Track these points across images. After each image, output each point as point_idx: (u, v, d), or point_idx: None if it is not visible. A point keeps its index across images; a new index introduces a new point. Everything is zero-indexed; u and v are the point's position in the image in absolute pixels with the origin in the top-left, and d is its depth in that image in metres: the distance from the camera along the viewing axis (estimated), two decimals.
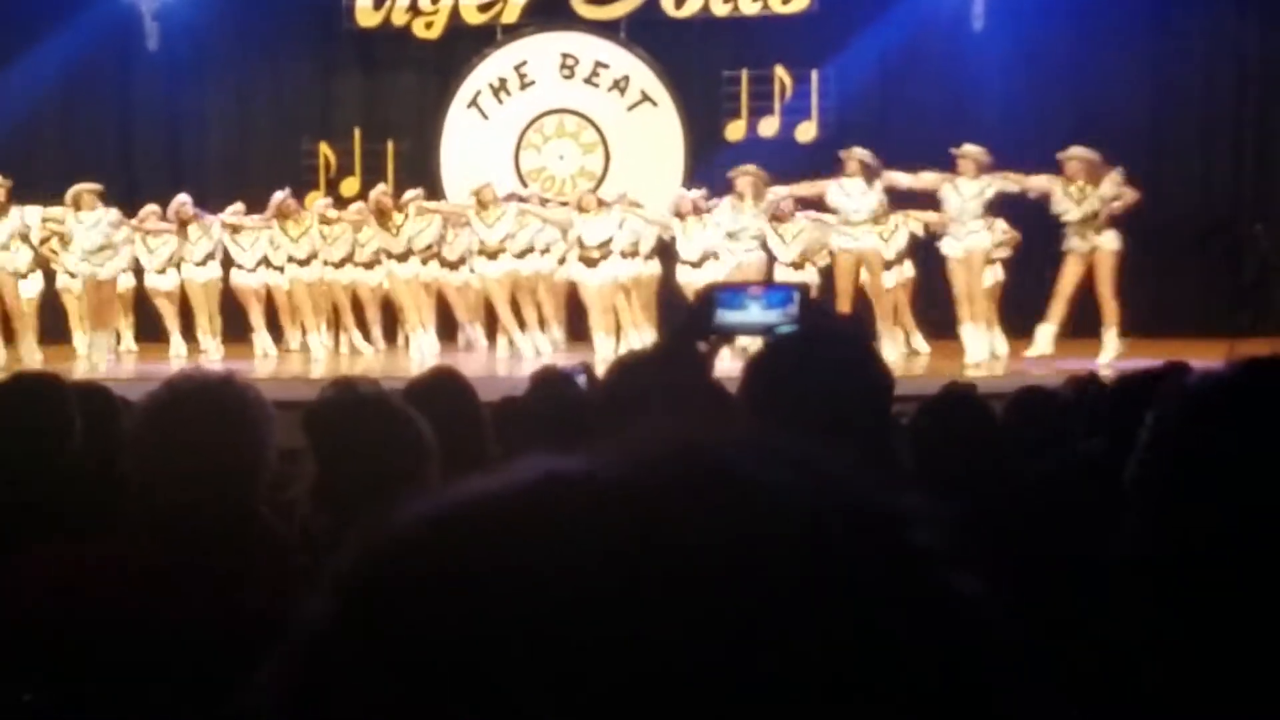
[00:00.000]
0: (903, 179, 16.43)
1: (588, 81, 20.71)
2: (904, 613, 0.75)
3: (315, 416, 3.33)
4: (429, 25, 20.51)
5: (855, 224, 16.46)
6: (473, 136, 20.81)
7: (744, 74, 20.00)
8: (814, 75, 19.85)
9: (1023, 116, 19.34)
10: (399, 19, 20.47)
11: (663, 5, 20.06)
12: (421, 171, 20.59)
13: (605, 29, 20.51)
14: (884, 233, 16.75)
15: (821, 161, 19.47)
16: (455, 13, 20.41)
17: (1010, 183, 16.17)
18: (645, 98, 20.57)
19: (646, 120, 20.54)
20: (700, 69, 20.46)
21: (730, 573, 0.73)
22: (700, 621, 0.72)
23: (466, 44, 20.85)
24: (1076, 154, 16.03)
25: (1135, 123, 19.44)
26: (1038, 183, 16.14)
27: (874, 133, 19.92)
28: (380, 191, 18.39)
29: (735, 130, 20.08)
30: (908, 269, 17.32)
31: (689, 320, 5.15)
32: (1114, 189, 15.98)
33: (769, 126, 19.98)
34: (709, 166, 19.49)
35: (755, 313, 4.78)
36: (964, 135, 19.51)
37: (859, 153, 16.49)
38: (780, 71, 19.93)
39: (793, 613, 0.73)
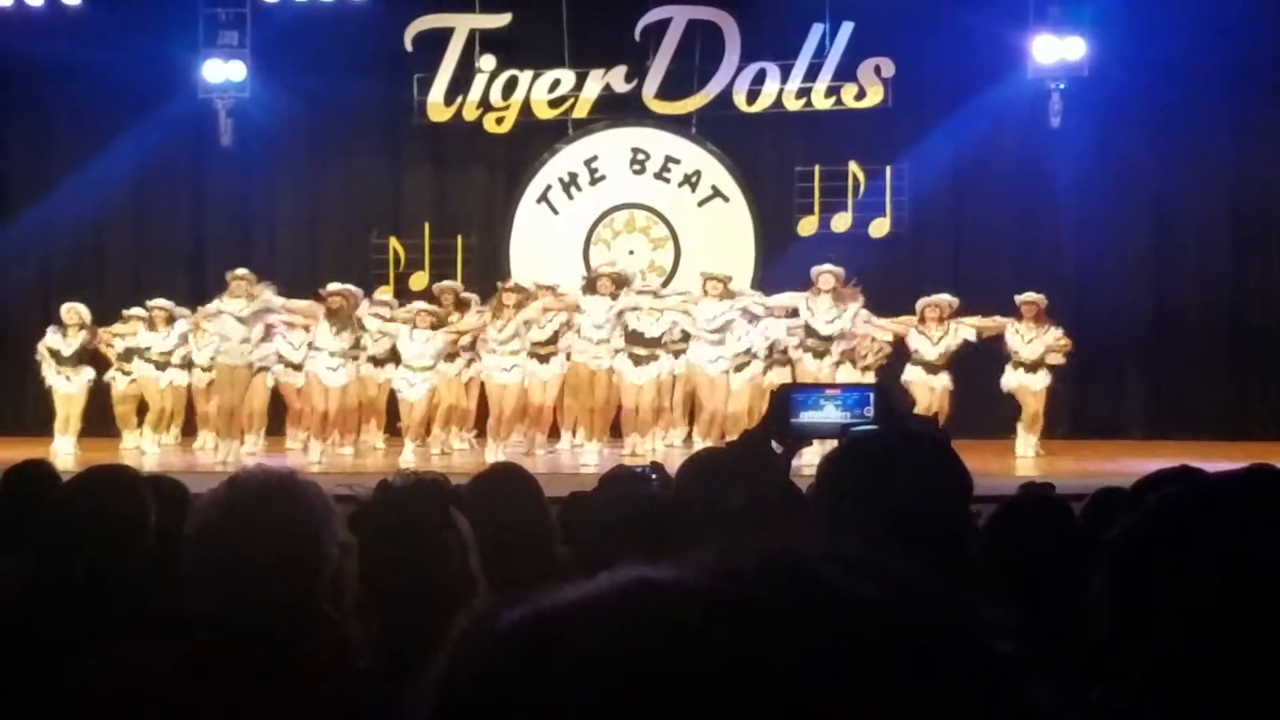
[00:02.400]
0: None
1: (658, 176, 20.72)
2: None
3: (359, 517, 3.26)
4: (500, 120, 20.59)
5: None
6: (542, 231, 20.84)
7: (816, 169, 19.95)
8: (888, 171, 19.79)
9: (1098, 215, 19.25)
10: (470, 114, 20.56)
11: (735, 100, 20.07)
12: (491, 266, 20.62)
13: (676, 124, 20.54)
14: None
15: (894, 257, 19.46)
16: (526, 108, 20.48)
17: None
18: (716, 193, 20.56)
19: (717, 215, 20.52)
20: (772, 164, 20.44)
21: (821, 683, 0.75)
22: None
23: (537, 139, 20.92)
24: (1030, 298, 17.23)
25: (1212, 222, 19.32)
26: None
27: (947, 229, 19.94)
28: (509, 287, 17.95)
29: (808, 225, 20.01)
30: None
31: (765, 421, 5.06)
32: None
33: (842, 222, 19.90)
34: (780, 262, 19.44)
35: (832, 413, 4.67)
36: (1038, 233, 19.55)
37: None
38: (854, 167, 19.88)
39: None
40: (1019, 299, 17.15)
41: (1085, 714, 0.76)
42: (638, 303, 17.42)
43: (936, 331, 16.87)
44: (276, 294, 17.71)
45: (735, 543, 0.83)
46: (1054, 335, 17.08)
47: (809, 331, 16.84)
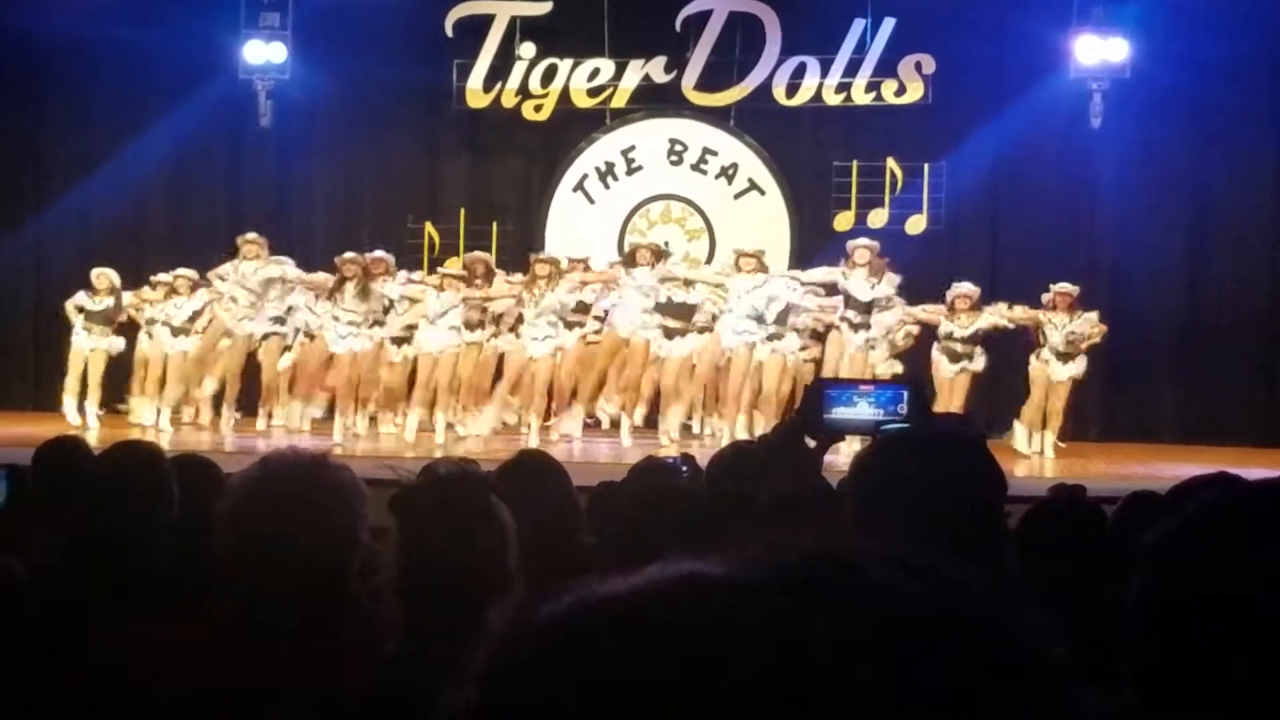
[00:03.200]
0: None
1: (695, 168, 20.70)
2: None
3: (401, 501, 3.26)
4: (538, 108, 20.59)
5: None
6: (578, 220, 20.83)
7: (854, 165, 19.91)
8: (926, 168, 19.73)
9: (1137, 217, 19.17)
10: (508, 101, 20.57)
11: (774, 93, 20.04)
12: (526, 254, 20.62)
13: (715, 116, 20.51)
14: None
15: (931, 255, 19.40)
16: (565, 96, 20.48)
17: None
18: (753, 186, 20.53)
19: (753, 208, 20.48)
20: (810, 158, 20.38)
21: (869, 681, 0.75)
22: None
23: (575, 127, 20.91)
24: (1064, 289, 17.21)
25: (1252, 224, 19.22)
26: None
27: (985, 228, 19.88)
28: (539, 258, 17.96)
29: (844, 221, 19.94)
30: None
31: (798, 415, 5.05)
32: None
33: (878, 218, 19.83)
34: (816, 257, 19.41)
35: (865, 410, 4.66)
36: (1076, 234, 19.48)
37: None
38: (892, 163, 19.83)
39: None
40: (1053, 288, 17.10)
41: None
42: (676, 273, 17.44)
43: (967, 319, 16.83)
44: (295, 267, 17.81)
45: (782, 538, 0.83)
46: (1088, 320, 16.97)
47: (848, 301, 16.92)
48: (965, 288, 17.17)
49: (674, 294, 17.13)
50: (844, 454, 10.48)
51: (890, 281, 17.03)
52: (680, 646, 0.76)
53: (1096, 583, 4.80)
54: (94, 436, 15.66)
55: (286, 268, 17.68)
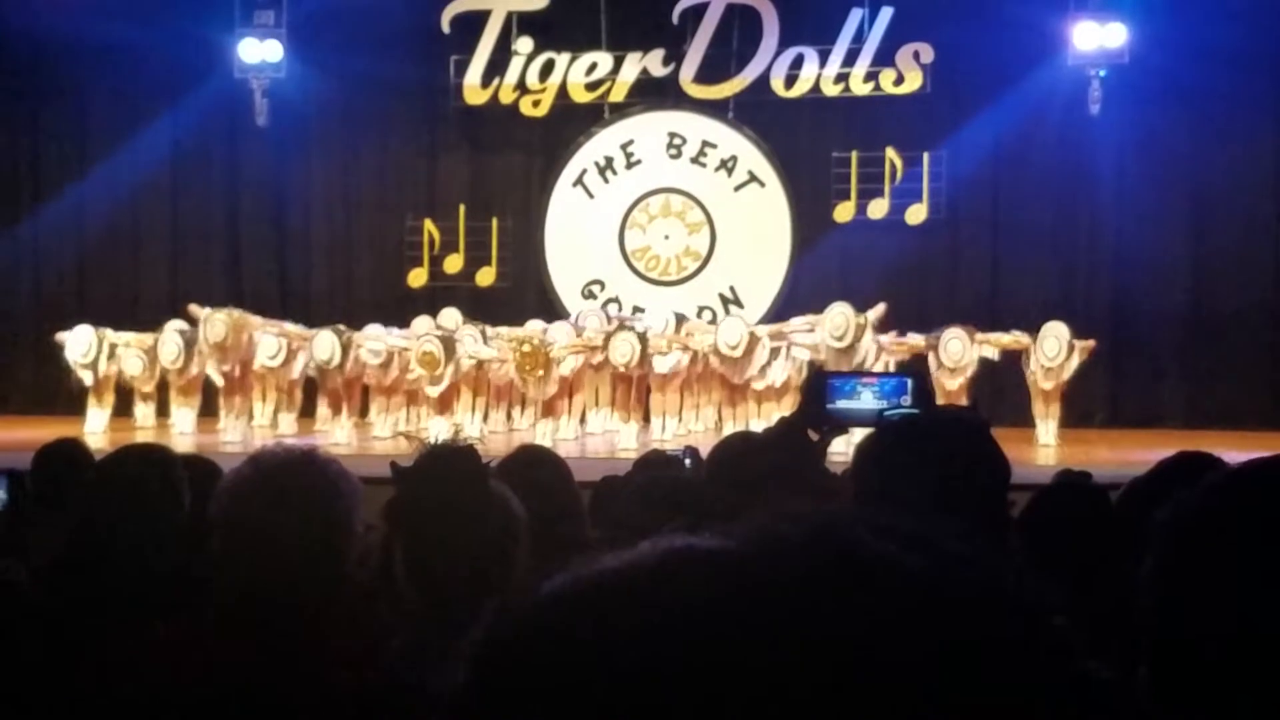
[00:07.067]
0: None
1: (695, 161, 20.67)
2: (1042, 697, 0.75)
3: (405, 490, 3.24)
4: (536, 104, 20.56)
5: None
6: (578, 215, 20.82)
7: (854, 155, 19.88)
8: (925, 157, 19.70)
9: (1138, 203, 19.15)
10: (506, 97, 20.54)
11: (772, 85, 20.01)
12: (525, 250, 20.64)
13: (713, 108, 20.47)
14: None
15: (931, 244, 19.40)
16: (563, 91, 20.45)
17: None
18: (753, 178, 20.50)
19: (753, 200, 20.46)
20: (809, 149, 20.34)
21: (866, 652, 0.74)
22: (831, 696, 0.72)
23: (573, 123, 20.88)
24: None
25: (1252, 210, 19.19)
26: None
27: (985, 216, 19.85)
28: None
29: (844, 211, 19.92)
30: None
31: (801, 407, 5.04)
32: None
33: (878, 208, 19.80)
34: (816, 248, 19.40)
35: (868, 400, 4.65)
36: (1076, 221, 19.46)
37: None
38: (891, 153, 19.80)
39: (932, 695, 0.73)
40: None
41: (1133, 692, 0.75)
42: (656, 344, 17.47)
43: (956, 364, 16.74)
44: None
45: (778, 513, 0.82)
46: (1075, 360, 16.91)
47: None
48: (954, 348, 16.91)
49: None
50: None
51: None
52: (674, 620, 0.75)
53: (1102, 565, 4.78)
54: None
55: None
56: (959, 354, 16.66)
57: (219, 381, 17.95)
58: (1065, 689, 0.77)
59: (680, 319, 18.35)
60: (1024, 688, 0.75)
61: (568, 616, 0.78)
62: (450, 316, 18.69)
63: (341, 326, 17.83)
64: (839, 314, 16.91)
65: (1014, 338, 17.00)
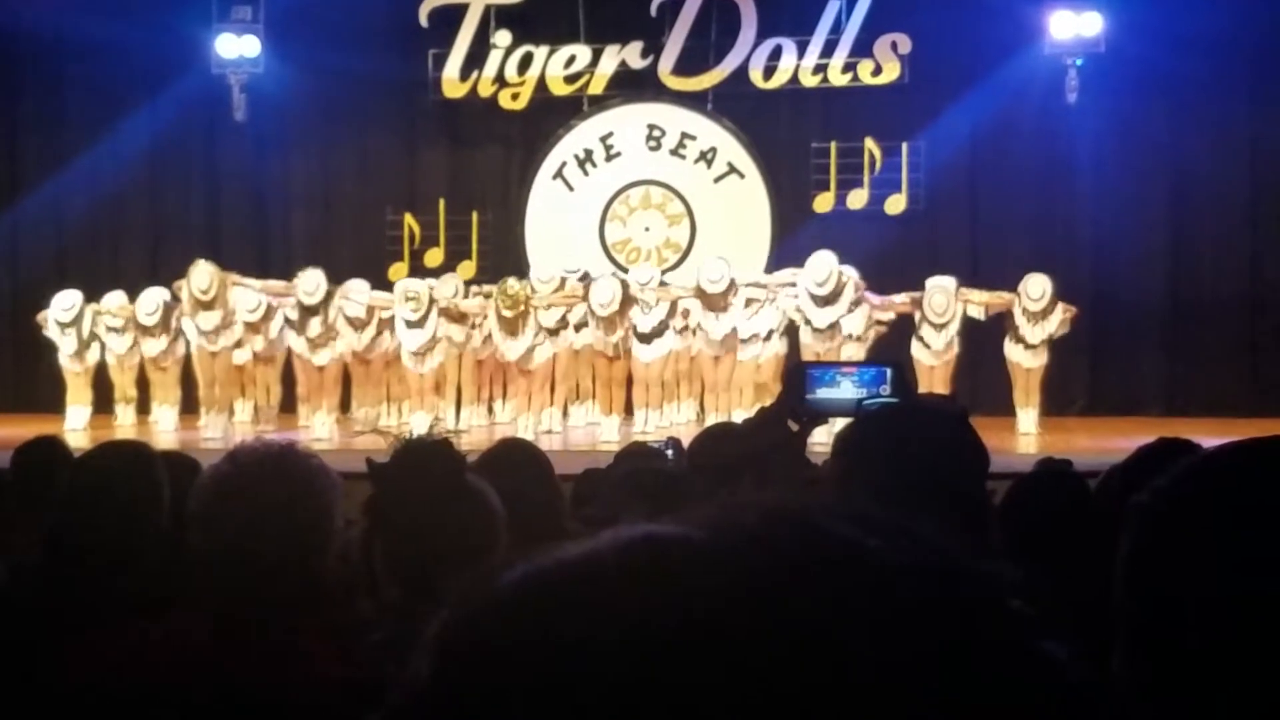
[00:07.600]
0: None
1: (674, 153, 20.67)
2: (997, 678, 0.75)
3: (384, 482, 3.24)
4: (515, 97, 20.53)
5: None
6: (558, 208, 20.80)
7: (833, 146, 19.89)
8: (904, 147, 19.71)
9: (1116, 191, 19.17)
10: (485, 91, 20.51)
11: (751, 77, 20.01)
12: (506, 243, 20.62)
13: (692, 100, 20.47)
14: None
15: (910, 234, 19.42)
16: (541, 84, 20.43)
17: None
18: (732, 169, 20.50)
19: (733, 192, 20.46)
20: (788, 141, 20.35)
21: (824, 635, 0.74)
22: (795, 682, 0.73)
23: (552, 116, 20.86)
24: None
25: (1230, 198, 19.23)
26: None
27: (964, 206, 19.89)
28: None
29: (823, 202, 19.94)
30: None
31: (781, 397, 5.04)
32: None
33: (858, 199, 19.83)
34: (796, 239, 19.39)
35: (848, 390, 4.66)
36: (1054, 209, 19.48)
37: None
38: (870, 144, 19.81)
39: (887, 676, 0.73)
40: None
41: (1102, 678, 0.75)
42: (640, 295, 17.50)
43: (940, 318, 16.80)
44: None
45: (738, 498, 0.82)
46: (1059, 315, 16.96)
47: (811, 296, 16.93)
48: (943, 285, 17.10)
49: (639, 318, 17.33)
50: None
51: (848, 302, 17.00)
52: (636, 607, 0.75)
53: (1082, 552, 4.78)
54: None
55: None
56: (943, 308, 16.74)
57: (198, 365, 18.00)
58: (1019, 669, 0.76)
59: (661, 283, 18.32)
60: (980, 668, 0.75)
61: (524, 606, 0.77)
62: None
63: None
64: (821, 261, 16.98)
65: (998, 295, 17.05)
